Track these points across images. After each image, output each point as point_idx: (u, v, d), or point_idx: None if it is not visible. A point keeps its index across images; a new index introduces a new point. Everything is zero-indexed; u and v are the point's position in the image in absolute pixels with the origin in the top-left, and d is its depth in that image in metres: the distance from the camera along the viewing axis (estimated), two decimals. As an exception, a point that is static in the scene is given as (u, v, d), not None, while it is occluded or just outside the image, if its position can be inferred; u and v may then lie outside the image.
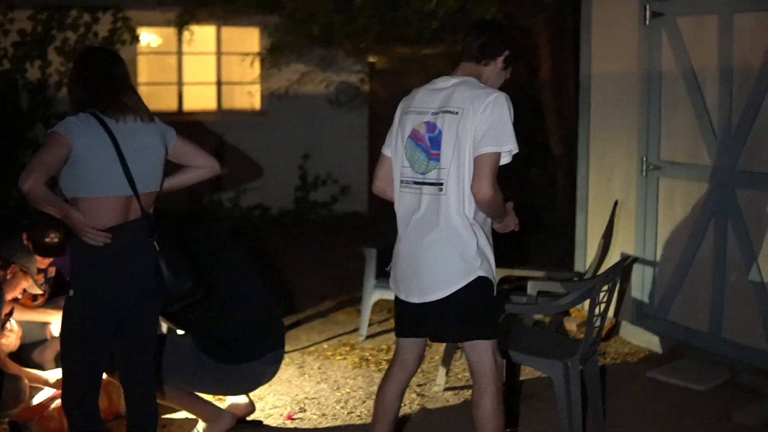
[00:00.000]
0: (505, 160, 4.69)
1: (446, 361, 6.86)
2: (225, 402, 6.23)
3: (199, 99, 14.61)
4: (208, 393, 6.11)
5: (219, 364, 5.73)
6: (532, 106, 11.76)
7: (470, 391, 6.50)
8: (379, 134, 14.31)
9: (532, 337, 6.19)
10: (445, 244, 4.71)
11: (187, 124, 14.02)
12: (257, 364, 5.86)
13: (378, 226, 12.58)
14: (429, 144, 4.73)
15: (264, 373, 5.97)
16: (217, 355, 5.72)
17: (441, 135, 4.70)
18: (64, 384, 4.67)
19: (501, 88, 4.85)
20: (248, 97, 14.70)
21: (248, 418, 6.20)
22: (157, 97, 14.29)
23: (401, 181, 4.86)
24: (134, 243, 4.59)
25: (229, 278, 5.87)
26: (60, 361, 4.80)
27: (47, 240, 6.58)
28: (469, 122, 4.63)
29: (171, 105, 14.38)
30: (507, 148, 4.63)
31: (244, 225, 13.22)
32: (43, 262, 6.75)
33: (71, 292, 4.58)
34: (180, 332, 6.09)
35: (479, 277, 4.72)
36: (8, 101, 13.52)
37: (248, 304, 5.91)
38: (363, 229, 12.78)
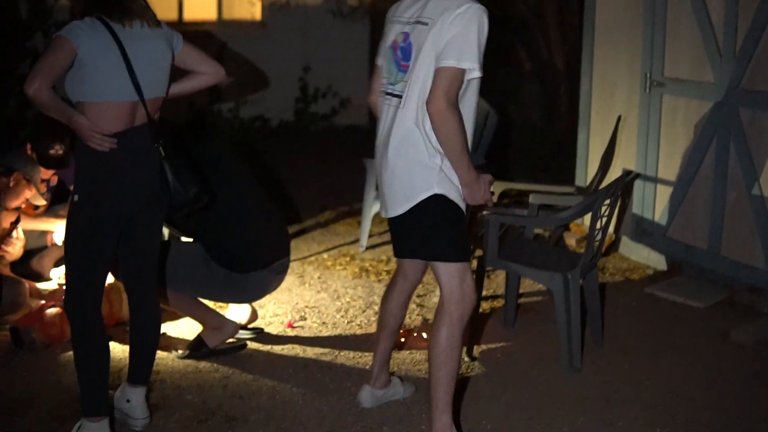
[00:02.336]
0: (471, 77, 4.39)
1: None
2: (227, 309, 6.27)
3: (200, 8, 14.50)
4: (215, 300, 6.14)
5: (228, 272, 5.76)
6: (536, 20, 11.68)
7: (469, 302, 6.58)
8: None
9: (532, 249, 6.21)
10: (403, 161, 4.51)
11: (187, 34, 13.93)
12: (265, 272, 5.89)
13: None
14: (400, 55, 4.55)
15: (271, 282, 6.00)
16: (226, 264, 5.75)
17: (411, 46, 4.50)
18: (67, 289, 4.67)
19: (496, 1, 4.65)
20: (249, 8, 14.60)
21: (250, 326, 6.23)
22: (157, 6, 14.06)
23: (381, 92, 4.75)
24: (140, 149, 4.56)
25: (235, 189, 5.86)
26: (64, 266, 4.80)
27: (51, 152, 6.59)
28: (437, 34, 4.36)
29: (171, 14, 14.27)
30: (465, 65, 4.30)
31: (244, 136, 13.19)
32: (46, 172, 6.76)
33: (75, 198, 4.55)
34: (188, 240, 6.11)
35: (437, 195, 4.49)
36: (7, 10, 13.41)
37: (255, 214, 5.91)
38: (363, 142, 12.75)
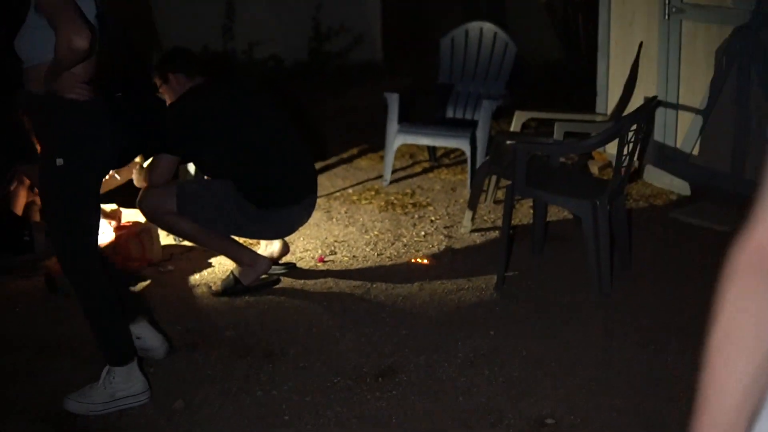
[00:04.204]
0: None
1: (472, 204, 6.92)
2: (258, 245, 6.32)
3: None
4: (246, 237, 6.20)
5: (259, 209, 5.80)
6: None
7: (497, 232, 6.65)
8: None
9: (559, 177, 6.25)
10: None
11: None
12: (296, 208, 5.93)
13: (393, 74, 12.58)
14: None
15: (301, 218, 6.04)
16: (257, 200, 5.78)
17: None
18: (64, 255, 4.57)
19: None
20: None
21: (281, 261, 6.29)
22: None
23: None
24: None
25: (263, 126, 5.89)
26: (52, 234, 4.68)
27: None
28: None
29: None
30: None
31: (258, 77, 13.19)
32: None
33: (59, 161, 4.35)
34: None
35: None
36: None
37: (284, 149, 5.94)
38: (378, 78, 12.76)
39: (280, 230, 6.06)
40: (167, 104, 5.92)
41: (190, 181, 6.28)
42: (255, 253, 6.02)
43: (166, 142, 5.75)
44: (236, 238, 6.03)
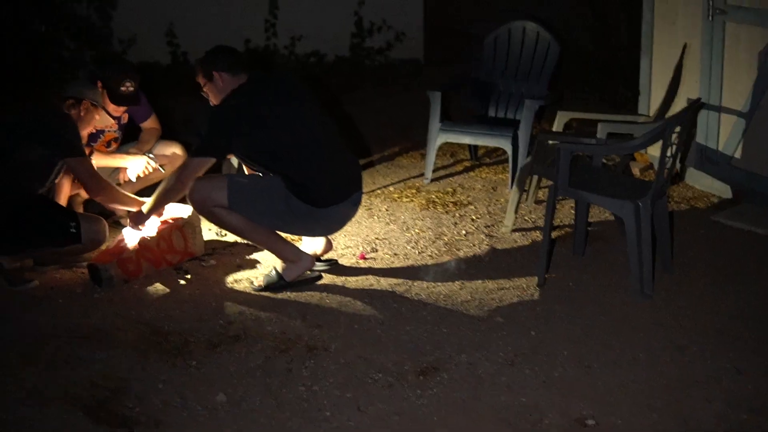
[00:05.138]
0: None
1: (513, 203, 6.93)
2: (301, 241, 6.35)
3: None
4: (292, 234, 6.23)
5: (306, 205, 5.81)
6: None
7: (538, 232, 6.66)
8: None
9: (602, 178, 6.24)
10: None
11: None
12: (342, 206, 5.95)
13: (433, 71, 12.58)
14: None
15: (347, 215, 6.07)
16: (305, 198, 5.80)
17: None
18: None
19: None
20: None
21: (324, 257, 6.32)
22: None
23: None
24: None
25: (310, 124, 5.91)
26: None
27: (123, 89, 6.70)
28: None
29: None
30: None
31: (299, 72, 13.22)
32: (117, 109, 6.85)
33: None
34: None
35: None
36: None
37: (331, 147, 5.97)
38: (419, 75, 12.78)
39: (326, 228, 6.09)
40: (211, 104, 5.97)
41: (240, 175, 6.31)
42: (299, 249, 6.06)
43: (201, 143, 5.83)
44: (281, 234, 6.06)
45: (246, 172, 6.29)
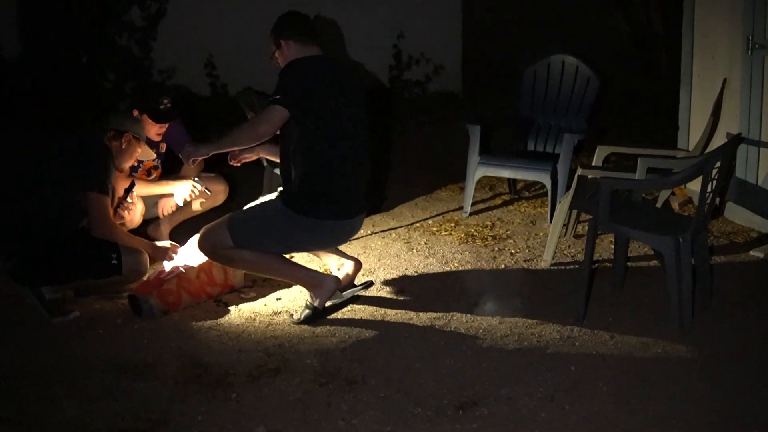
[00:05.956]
0: None
1: (553, 238, 6.93)
2: (329, 271, 6.38)
3: (294, -23, 14.55)
4: (301, 251, 6.31)
5: (308, 218, 5.80)
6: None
7: (577, 266, 6.65)
8: (473, 12, 14.25)
9: (642, 212, 6.24)
10: None
11: (281, 2, 14.05)
12: (351, 221, 5.98)
13: (472, 105, 12.60)
14: None
15: (354, 229, 6.08)
16: (306, 211, 5.79)
17: None
18: None
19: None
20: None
21: (357, 278, 6.38)
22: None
23: None
24: None
25: (353, 130, 5.95)
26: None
27: (161, 107, 6.80)
28: None
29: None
30: None
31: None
32: (158, 132, 6.92)
33: None
34: (266, 198, 6.24)
35: None
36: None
37: (360, 160, 5.99)
38: (457, 108, 12.80)
39: (334, 240, 6.11)
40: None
41: (238, 212, 6.34)
42: (320, 273, 6.12)
43: (277, 93, 5.68)
44: (302, 264, 6.10)
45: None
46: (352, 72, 6.02)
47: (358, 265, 6.35)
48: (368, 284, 6.36)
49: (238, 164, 6.43)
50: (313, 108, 5.68)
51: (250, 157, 6.43)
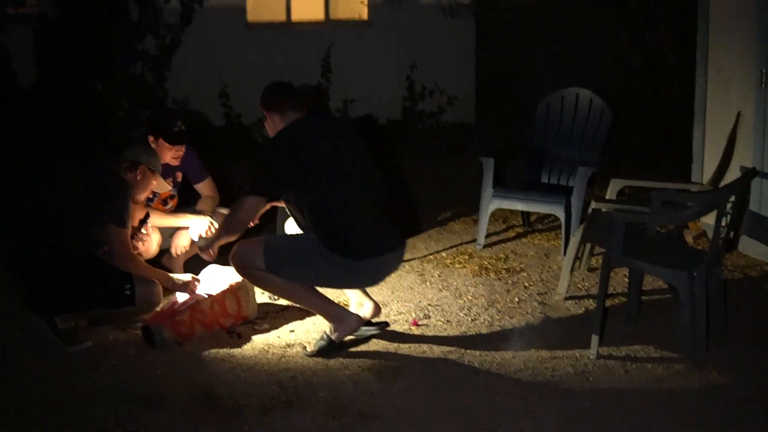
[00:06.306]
0: None
1: (566, 271, 6.92)
2: (350, 307, 6.36)
3: (307, 8, 14.64)
4: (333, 287, 6.25)
5: (344, 259, 5.82)
6: (645, 14, 11.60)
7: (591, 300, 6.64)
8: (486, 44, 14.28)
9: (656, 246, 6.24)
10: None
11: (295, 35, 14.16)
12: (381, 259, 5.96)
13: (485, 136, 12.62)
14: None
15: (387, 269, 6.09)
16: (341, 251, 5.81)
17: None
18: None
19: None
20: (355, 7, 14.71)
21: (374, 320, 6.32)
22: (265, 8, 14.39)
23: None
24: None
25: (352, 172, 5.93)
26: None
27: (176, 129, 6.85)
28: None
29: (279, 15, 14.46)
30: None
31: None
32: (174, 156, 6.94)
33: None
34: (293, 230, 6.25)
35: None
36: (118, 12, 13.69)
37: (373, 198, 5.99)
38: (470, 140, 12.82)
39: (365, 280, 6.11)
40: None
41: (276, 237, 6.35)
42: (344, 309, 6.09)
43: (253, 181, 5.89)
44: (327, 296, 6.10)
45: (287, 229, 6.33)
46: (337, 119, 6.13)
47: (378, 309, 6.34)
48: (383, 325, 6.35)
49: (212, 257, 6.42)
50: (297, 173, 5.78)
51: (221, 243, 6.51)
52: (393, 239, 6.07)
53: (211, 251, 6.24)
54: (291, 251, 5.95)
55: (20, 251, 6.16)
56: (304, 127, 5.97)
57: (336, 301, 6.20)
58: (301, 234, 6.07)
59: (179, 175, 7.26)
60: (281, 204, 6.41)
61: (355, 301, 6.34)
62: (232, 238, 6.12)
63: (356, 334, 6.11)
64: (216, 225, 6.92)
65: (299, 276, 5.91)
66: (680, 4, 10.98)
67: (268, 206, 6.19)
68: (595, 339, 5.90)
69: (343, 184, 5.85)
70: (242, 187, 5.91)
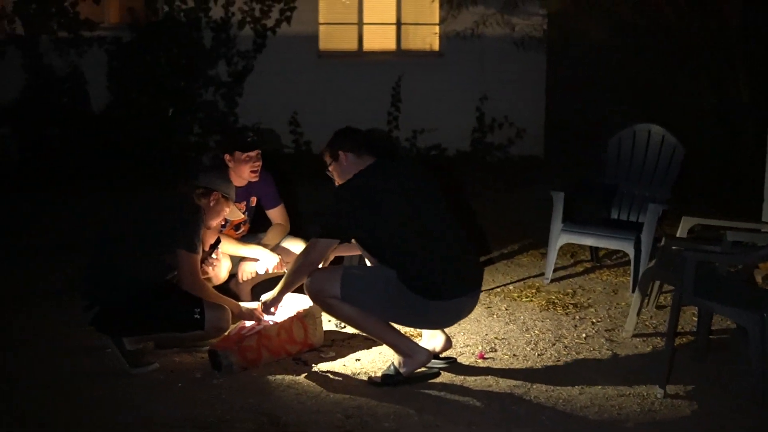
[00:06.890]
0: None
1: (635, 308, 6.88)
2: (421, 339, 6.36)
3: (379, 39, 14.72)
4: (408, 326, 6.26)
5: (420, 298, 5.83)
6: (722, 53, 11.55)
7: (659, 338, 6.58)
8: (557, 77, 14.26)
9: (726, 286, 6.18)
10: None
11: (366, 64, 14.23)
12: (458, 300, 5.95)
13: (554, 169, 12.59)
14: None
15: (463, 310, 6.08)
16: (419, 290, 5.83)
17: None
18: None
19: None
20: (426, 38, 14.76)
21: (443, 355, 6.31)
22: (337, 37, 14.48)
23: None
24: None
25: (430, 212, 5.95)
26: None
27: (249, 139, 6.94)
28: None
29: (351, 45, 14.54)
30: None
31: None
32: (252, 170, 6.99)
33: None
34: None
35: None
36: (192, 39, 13.85)
37: (449, 239, 5.99)
38: (539, 173, 12.79)
39: (440, 321, 6.11)
40: (336, 184, 6.08)
41: (356, 267, 6.39)
42: (415, 343, 6.07)
43: (325, 224, 5.92)
44: (398, 328, 6.08)
45: (367, 262, 6.33)
46: (409, 161, 6.16)
47: (449, 343, 6.33)
48: (451, 360, 6.33)
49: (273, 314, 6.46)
50: (375, 216, 5.82)
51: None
52: (472, 280, 6.08)
53: (273, 309, 6.29)
54: (369, 284, 5.95)
55: (93, 274, 6.22)
56: (381, 170, 6.00)
57: (407, 333, 6.21)
58: (380, 266, 6.05)
59: (254, 200, 7.30)
60: (348, 253, 6.46)
61: (428, 333, 6.34)
62: (298, 284, 6.13)
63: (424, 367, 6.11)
64: (285, 261, 6.96)
65: (374, 309, 5.93)
66: (757, 44, 10.95)
67: (337, 252, 6.24)
68: (663, 378, 5.85)
69: (422, 225, 5.87)
70: (312, 227, 5.93)
